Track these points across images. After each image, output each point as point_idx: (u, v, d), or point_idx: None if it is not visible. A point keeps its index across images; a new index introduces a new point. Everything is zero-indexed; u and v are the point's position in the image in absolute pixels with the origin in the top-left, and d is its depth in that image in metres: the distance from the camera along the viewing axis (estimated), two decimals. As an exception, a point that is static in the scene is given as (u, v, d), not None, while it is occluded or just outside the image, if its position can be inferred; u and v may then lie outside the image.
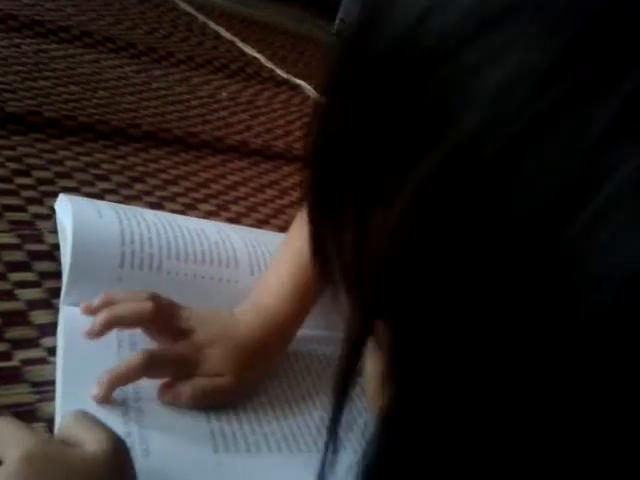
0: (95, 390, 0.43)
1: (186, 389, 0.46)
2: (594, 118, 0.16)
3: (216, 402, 0.47)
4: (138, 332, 0.49)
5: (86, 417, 0.37)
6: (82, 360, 0.45)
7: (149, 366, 0.45)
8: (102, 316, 0.46)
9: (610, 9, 0.17)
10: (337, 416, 0.24)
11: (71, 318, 0.48)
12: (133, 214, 0.57)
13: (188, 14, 1.63)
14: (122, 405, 0.43)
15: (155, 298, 0.48)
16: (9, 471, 0.32)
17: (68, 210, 0.55)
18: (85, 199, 0.62)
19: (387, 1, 0.20)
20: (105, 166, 0.76)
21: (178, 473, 0.40)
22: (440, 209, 0.18)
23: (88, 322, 0.47)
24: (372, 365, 0.24)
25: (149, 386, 0.45)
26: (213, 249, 0.57)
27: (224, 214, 0.78)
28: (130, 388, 0.45)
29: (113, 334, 0.47)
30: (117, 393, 0.44)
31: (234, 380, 0.48)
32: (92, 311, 0.47)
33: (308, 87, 1.41)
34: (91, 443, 0.35)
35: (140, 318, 0.47)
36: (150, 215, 0.59)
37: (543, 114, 0.17)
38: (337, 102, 0.22)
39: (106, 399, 0.43)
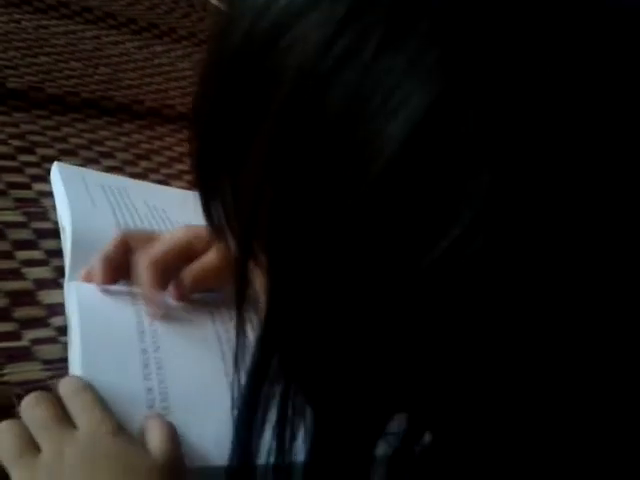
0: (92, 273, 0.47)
1: (185, 274, 0.48)
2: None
3: (213, 281, 0.49)
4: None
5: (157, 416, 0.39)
6: (99, 330, 0.45)
7: (157, 264, 0.47)
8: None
9: None
10: (240, 334, 0.29)
11: (83, 293, 0.47)
12: (125, 204, 0.59)
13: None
14: (142, 356, 0.43)
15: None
16: (77, 450, 0.35)
17: (60, 187, 0.58)
18: (75, 172, 0.63)
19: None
20: (109, 143, 0.75)
21: (199, 430, 0.40)
22: (284, 151, 0.24)
23: (99, 294, 0.47)
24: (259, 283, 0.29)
25: (166, 335, 0.46)
26: None
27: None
28: (148, 338, 0.45)
29: (129, 302, 0.47)
30: (136, 344, 0.44)
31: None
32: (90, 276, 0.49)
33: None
34: (155, 447, 0.36)
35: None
36: (141, 204, 0.60)
37: (339, 55, 0.22)
38: (208, 84, 0.28)
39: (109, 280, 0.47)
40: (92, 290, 0.47)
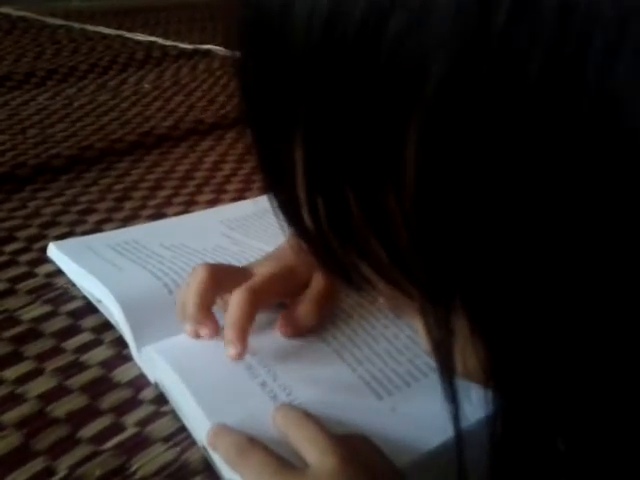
0: (230, 351, 0.40)
1: (300, 310, 0.43)
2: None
3: (328, 307, 0.45)
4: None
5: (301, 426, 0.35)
6: (206, 381, 0.39)
7: (255, 294, 0.41)
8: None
9: None
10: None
11: (166, 352, 0.42)
12: (146, 255, 0.53)
13: (61, 26, 1.50)
14: (265, 389, 0.39)
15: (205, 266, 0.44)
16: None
17: (72, 265, 0.53)
18: (76, 245, 0.56)
19: None
20: (83, 198, 0.68)
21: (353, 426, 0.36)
22: (446, 151, 0.17)
23: (182, 346, 0.42)
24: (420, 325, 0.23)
25: (275, 358, 0.42)
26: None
27: (224, 197, 0.71)
28: (260, 370, 0.40)
29: (215, 342, 0.42)
30: (250, 381, 0.40)
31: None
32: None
33: (218, 48, 1.33)
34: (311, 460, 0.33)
35: (204, 288, 0.42)
36: (160, 249, 0.54)
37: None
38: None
39: (244, 351, 0.40)
40: (173, 345, 0.42)
